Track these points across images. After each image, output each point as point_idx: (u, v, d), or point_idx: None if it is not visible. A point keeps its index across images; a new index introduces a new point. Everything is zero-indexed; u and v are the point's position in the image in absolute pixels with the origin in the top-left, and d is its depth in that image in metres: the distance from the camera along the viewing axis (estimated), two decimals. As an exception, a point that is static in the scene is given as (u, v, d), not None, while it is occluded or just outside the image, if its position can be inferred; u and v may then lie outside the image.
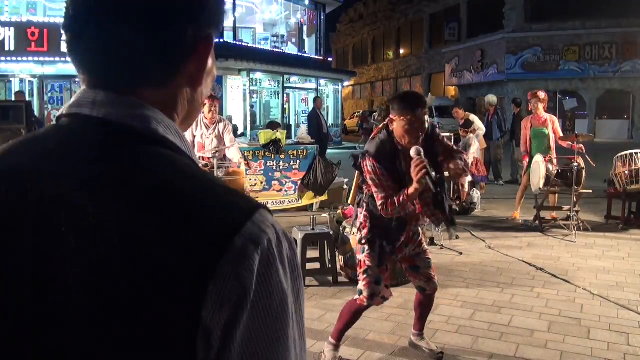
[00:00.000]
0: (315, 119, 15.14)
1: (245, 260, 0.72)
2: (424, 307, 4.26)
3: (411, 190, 3.57)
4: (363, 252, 3.91)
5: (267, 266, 0.74)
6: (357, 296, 3.96)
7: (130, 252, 0.70)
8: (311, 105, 33.70)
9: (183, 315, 0.69)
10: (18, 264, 0.72)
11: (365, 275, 3.89)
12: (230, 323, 0.71)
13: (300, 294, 0.80)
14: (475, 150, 9.99)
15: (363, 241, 3.90)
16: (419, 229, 4.09)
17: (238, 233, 0.73)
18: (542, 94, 9.00)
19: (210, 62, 0.95)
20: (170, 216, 0.73)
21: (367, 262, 3.87)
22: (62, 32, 0.87)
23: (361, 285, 3.92)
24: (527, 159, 9.06)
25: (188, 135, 7.86)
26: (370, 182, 3.75)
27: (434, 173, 3.54)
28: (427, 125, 3.74)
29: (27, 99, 24.01)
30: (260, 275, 0.73)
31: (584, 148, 8.35)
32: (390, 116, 3.78)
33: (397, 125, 3.69)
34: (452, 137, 9.66)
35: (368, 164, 3.73)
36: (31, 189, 0.76)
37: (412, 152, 3.55)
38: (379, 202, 3.71)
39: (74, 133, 0.82)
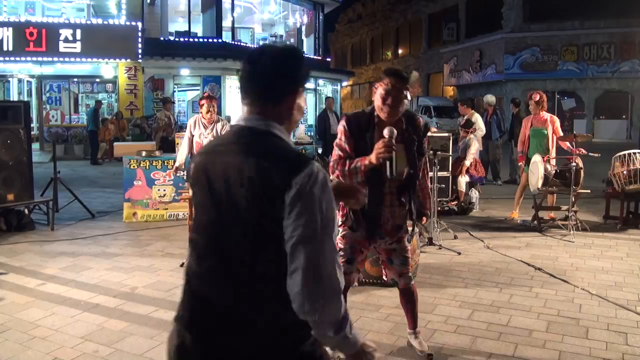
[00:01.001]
0: (322, 120, 15.17)
1: (305, 175, 1.84)
2: (407, 302, 4.22)
3: (366, 161, 3.70)
4: (338, 235, 4.02)
5: (316, 178, 1.85)
6: None
7: (261, 173, 1.86)
8: (309, 106, 33.83)
9: (282, 193, 1.82)
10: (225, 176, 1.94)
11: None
12: (296, 197, 1.82)
13: (329, 193, 1.90)
14: (475, 150, 9.98)
15: (339, 224, 4.00)
16: (407, 227, 4.08)
17: (306, 166, 1.86)
18: (536, 96, 8.97)
19: (300, 102, 2.08)
20: (277, 159, 1.89)
21: (340, 245, 3.99)
22: (239, 80, 2.11)
23: None
24: (524, 160, 9.05)
25: (186, 134, 7.88)
26: (335, 143, 3.96)
27: (406, 168, 3.77)
28: (404, 101, 3.82)
29: (26, 99, 24.14)
30: (312, 181, 1.84)
31: (583, 150, 8.35)
32: (375, 85, 3.91)
33: (377, 92, 3.82)
34: (451, 137, 9.67)
35: (340, 124, 3.97)
36: (224, 152, 1.99)
37: (385, 131, 3.66)
38: (332, 160, 3.92)
39: (238, 132, 2.04)
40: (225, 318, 1.93)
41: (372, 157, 3.66)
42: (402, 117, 3.87)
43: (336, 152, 3.91)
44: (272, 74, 1.98)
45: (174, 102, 22.09)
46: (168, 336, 2.07)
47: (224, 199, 1.94)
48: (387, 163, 3.62)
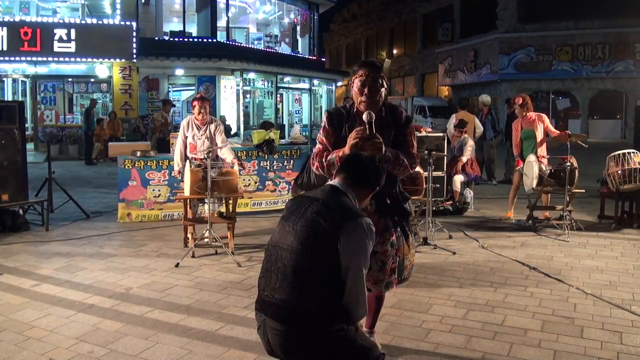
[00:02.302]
0: None
1: (354, 226, 2.85)
2: (373, 304, 4.10)
3: (340, 152, 3.72)
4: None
5: (362, 229, 2.86)
6: None
7: (328, 215, 2.88)
8: (305, 105, 33.80)
9: (337, 236, 2.79)
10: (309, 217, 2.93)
11: None
12: (345, 240, 2.79)
13: (370, 243, 2.92)
14: (471, 148, 10.00)
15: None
16: (392, 228, 3.99)
17: (359, 217, 2.90)
18: (519, 100, 9.05)
19: (369, 195, 3.33)
20: (341, 211, 2.92)
21: None
22: (344, 163, 3.42)
23: None
24: (522, 163, 9.07)
25: (179, 136, 7.87)
26: (318, 137, 4.04)
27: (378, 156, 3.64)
28: (381, 90, 3.85)
29: (20, 98, 24.07)
30: (357, 231, 2.85)
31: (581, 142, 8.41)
32: (352, 79, 3.93)
33: (354, 85, 3.87)
34: (446, 138, 9.68)
35: (323, 119, 4.03)
36: (314, 198, 3.04)
37: (364, 115, 3.67)
38: (313, 152, 4.00)
39: (325, 188, 3.16)
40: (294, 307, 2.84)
41: (346, 148, 3.67)
42: (383, 107, 3.90)
43: (317, 145, 3.99)
44: (369, 175, 3.22)
45: (174, 105, 22.06)
46: None
47: (301, 222, 2.89)
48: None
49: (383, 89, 3.85)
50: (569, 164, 8.09)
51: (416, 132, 9.28)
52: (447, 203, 9.69)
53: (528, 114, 8.96)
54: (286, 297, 2.80)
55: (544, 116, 9.06)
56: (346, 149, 3.66)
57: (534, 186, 8.39)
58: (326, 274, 2.79)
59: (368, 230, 2.88)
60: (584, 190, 9.03)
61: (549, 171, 8.49)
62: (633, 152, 8.45)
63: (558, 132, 8.99)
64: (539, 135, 8.85)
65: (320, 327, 2.78)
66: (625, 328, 4.70)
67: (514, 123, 9.42)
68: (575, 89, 30.97)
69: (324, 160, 3.83)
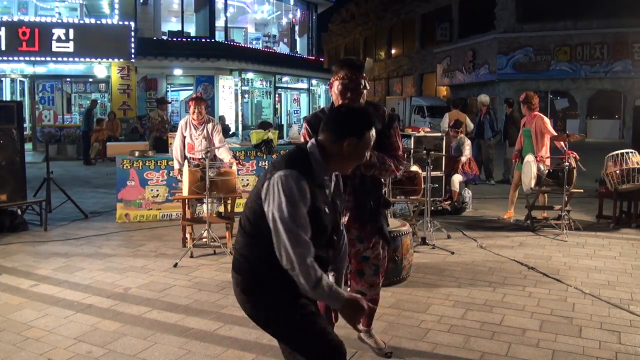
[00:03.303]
0: None
1: (273, 175, 2.56)
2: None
3: None
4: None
5: (279, 179, 2.53)
6: None
7: (268, 169, 2.70)
8: (303, 105, 33.79)
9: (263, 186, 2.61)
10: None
11: None
12: (265, 190, 2.58)
13: (285, 197, 2.51)
14: (469, 148, 10.01)
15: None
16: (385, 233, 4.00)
17: (282, 169, 2.57)
18: (522, 97, 9.09)
19: (348, 149, 2.68)
20: (275, 163, 2.69)
21: None
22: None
23: None
24: (517, 158, 9.13)
25: (178, 136, 7.88)
26: None
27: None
28: (364, 92, 3.71)
29: (19, 98, 24.05)
30: (273, 181, 2.55)
31: (577, 156, 8.38)
32: (330, 80, 3.81)
33: (334, 87, 3.74)
34: (444, 138, 9.68)
35: (302, 128, 3.92)
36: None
37: None
38: None
39: (296, 148, 2.77)
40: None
41: None
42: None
43: None
44: (334, 122, 2.74)
45: (170, 102, 22.06)
46: None
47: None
48: None
49: (365, 91, 3.73)
50: (567, 163, 8.09)
51: (415, 133, 9.38)
52: (446, 203, 9.69)
53: (533, 113, 8.93)
54: (237, 245, 2.81)
55: (545, 118, 8.97)
56: None
57: (532, 186, 8.39)
58: (261, 224, 2.63)
59: (285, 181, 2.52)
60: (582, 190, 9.04)
61: (547, 171, 8.49)
62: (631, 152, 8.45)
63: (556, 133, 8.97)
64: (532, 135, 8.82)
65: (258, 271, 2.73)
66: (623, 327, 4.71)
67: (522, 119, 9.44)
68: (573, 89, 31.00)
69: None
